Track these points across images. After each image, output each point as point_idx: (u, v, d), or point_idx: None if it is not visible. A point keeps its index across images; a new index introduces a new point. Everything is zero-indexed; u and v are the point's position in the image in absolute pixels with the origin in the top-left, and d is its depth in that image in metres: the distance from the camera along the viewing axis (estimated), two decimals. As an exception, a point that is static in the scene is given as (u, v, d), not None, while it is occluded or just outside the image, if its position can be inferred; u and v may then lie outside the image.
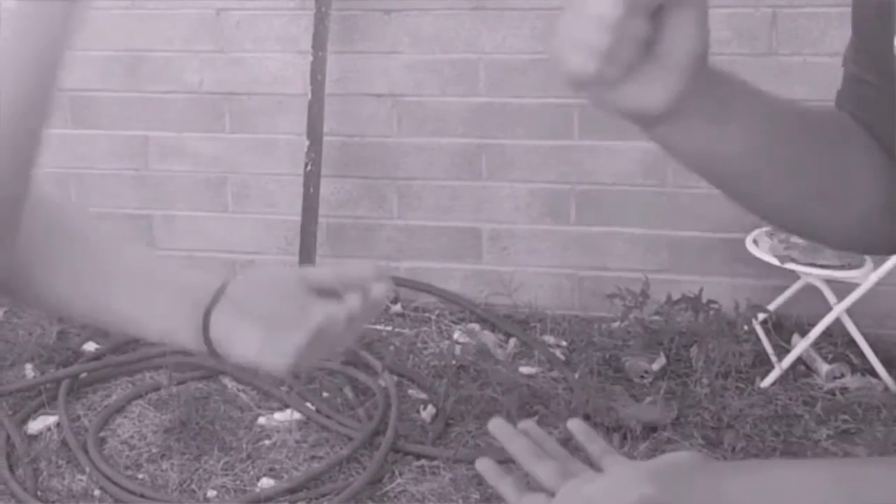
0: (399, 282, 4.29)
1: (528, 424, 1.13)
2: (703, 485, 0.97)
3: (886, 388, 3.60)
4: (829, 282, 3.60)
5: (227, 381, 3.78)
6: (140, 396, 3.70)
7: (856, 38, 1.07)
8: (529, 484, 1.06)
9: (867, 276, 3.54)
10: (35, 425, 3.55)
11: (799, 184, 1.03)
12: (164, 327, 1.13)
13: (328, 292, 1.09)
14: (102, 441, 3.48)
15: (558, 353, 3.90)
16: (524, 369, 3.80)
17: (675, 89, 0.91)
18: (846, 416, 3.45)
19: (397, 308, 4.24)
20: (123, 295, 1.12)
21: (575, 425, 1.14)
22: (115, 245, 1.17)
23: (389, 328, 4.09)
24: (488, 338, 3.98)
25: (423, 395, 3.65)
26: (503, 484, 1.07)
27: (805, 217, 1.07)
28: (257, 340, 1.08)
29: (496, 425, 1.11)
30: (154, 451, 3.42)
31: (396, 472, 3.27)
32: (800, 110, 1.05)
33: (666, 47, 0.89)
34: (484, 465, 1.10)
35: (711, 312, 3.76)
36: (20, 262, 1.04)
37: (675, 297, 3.82)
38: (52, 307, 1.15)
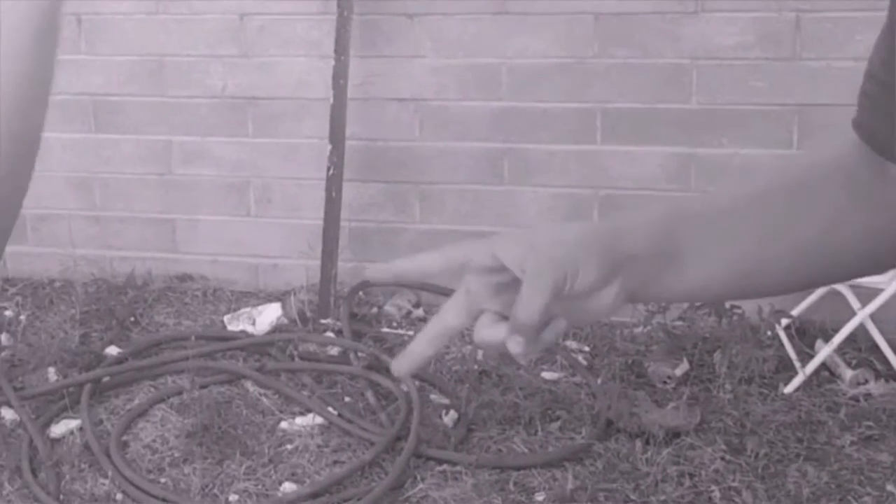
0: (421, 286, 4.28)
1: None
2: None
3: (911, 395, 3.58)
4: (853, 287, 3.58)
5: (249, 385, 3.79)
6: (162, 400, 3.71)
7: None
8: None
9: (891, 282, 3.52)
10: (58, 429, 3.56)
11: (802, 251, 1.00)
12: None
13: None
14: (125, 445, 3.49)
15: (581, 358, 3.89)
16: (546, 374, 3.79)
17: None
18: (870, 423, 3.43)
19: (419, 312, 4.24)
20: None
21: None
22: None
23: (411, 332, 4.09)
24: (510, 343, 3.97)
25: (446, 400, 3.65)
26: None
27: (843, 271, 1.04)
28: None
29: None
30: (176, 455, 3.42)
31: (418, 478, 3.27)
32: (761, 190, 1.02)
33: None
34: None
35: (734, 318, 3.74)
36: None
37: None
38: None
